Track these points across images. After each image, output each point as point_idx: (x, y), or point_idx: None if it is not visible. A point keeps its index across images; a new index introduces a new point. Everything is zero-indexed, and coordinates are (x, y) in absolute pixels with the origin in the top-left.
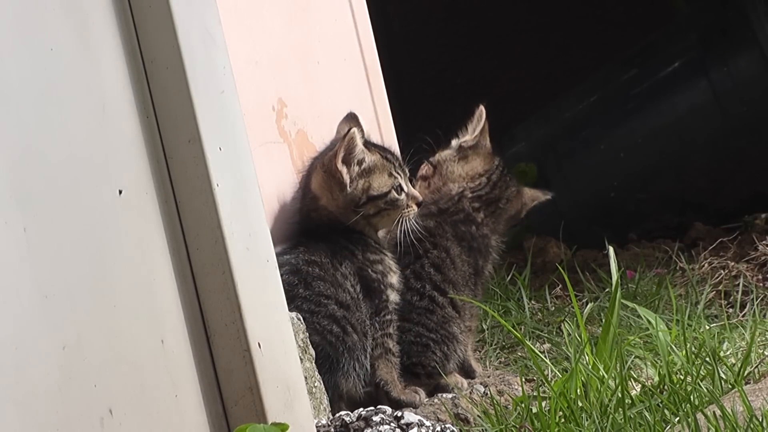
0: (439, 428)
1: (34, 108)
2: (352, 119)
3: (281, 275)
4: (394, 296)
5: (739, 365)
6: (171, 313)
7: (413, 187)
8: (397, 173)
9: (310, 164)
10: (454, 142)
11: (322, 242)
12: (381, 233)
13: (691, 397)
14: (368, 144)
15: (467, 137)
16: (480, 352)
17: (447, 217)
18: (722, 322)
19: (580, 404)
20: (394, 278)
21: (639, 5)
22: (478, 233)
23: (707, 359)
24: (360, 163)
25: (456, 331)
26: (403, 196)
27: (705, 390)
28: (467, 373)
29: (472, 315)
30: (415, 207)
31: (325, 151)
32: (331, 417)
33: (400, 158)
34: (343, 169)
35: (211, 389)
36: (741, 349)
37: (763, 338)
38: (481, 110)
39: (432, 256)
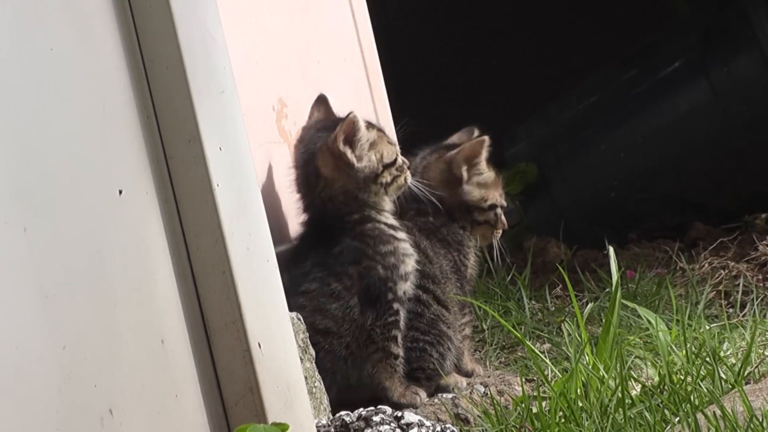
0: (439, 428)
1: (34, 108)
2: (322, 102)
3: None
4: (407, 287)
5: (739, 365)
6: (171, 313)
7: None
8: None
9: (303, 158)
10: None
11: (319, 253)
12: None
13: (691, 397)
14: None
15: None
16: (480, 352)
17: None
18: (722, 322)
19: (580, 404)
20: (409, 265)
21: (639, 5)
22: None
23: (707, 359)
24: (368, 142)
25: (444, 328)
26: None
27: (705, 390)
28: (465, 373)
29: (464, 314)
30: (408, 172)
31: (315, 140)
32: (332, 417)
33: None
34: (347, 151)
35: (211, 389)
36: (741, 349)
37: (763, 338)
38: None
39: None
